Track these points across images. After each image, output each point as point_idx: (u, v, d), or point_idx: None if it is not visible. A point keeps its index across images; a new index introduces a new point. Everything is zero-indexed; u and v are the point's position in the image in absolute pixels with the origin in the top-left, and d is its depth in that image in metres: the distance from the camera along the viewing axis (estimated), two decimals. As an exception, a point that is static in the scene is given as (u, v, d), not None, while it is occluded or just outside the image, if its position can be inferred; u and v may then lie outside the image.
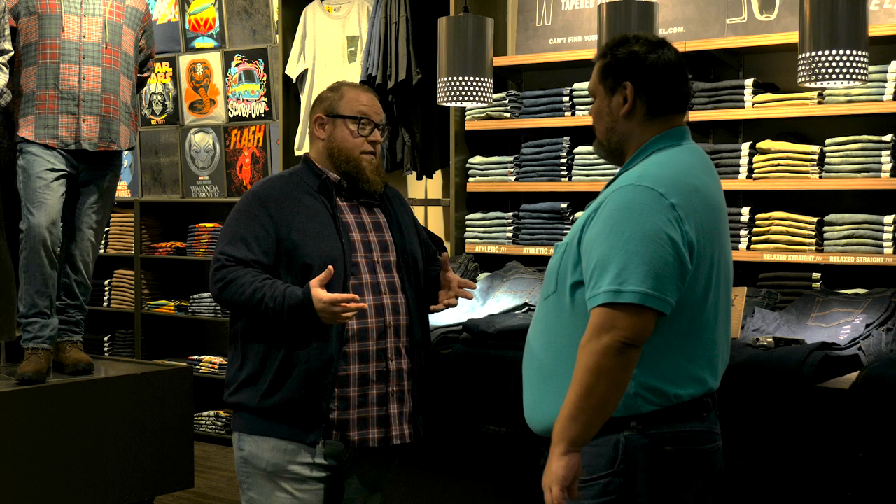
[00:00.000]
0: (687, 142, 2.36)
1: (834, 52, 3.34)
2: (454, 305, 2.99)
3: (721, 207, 2.34)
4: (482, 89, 4.21)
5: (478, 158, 4.87)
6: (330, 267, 2.69)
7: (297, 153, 5.57)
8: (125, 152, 4.48)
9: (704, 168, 2.34)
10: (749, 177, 4.14)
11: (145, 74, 4.54)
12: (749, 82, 4.17)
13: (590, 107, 2.45)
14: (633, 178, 2.23)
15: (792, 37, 3.89)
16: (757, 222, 4.14)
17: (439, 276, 3.02)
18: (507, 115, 4.79)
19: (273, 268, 2.79)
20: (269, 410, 2.77)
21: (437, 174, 5.39)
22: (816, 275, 3.96)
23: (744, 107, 4.17)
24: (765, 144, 4.14)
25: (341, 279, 2.77)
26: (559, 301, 2.29)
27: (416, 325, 2.91)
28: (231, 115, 6.42)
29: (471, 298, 3.06)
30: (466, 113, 4.88)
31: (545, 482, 2.18)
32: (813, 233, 3.99)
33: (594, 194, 2.67)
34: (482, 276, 4.34)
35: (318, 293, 2.65)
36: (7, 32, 4.07)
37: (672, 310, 2.16)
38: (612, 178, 2.37)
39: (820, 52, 3.35)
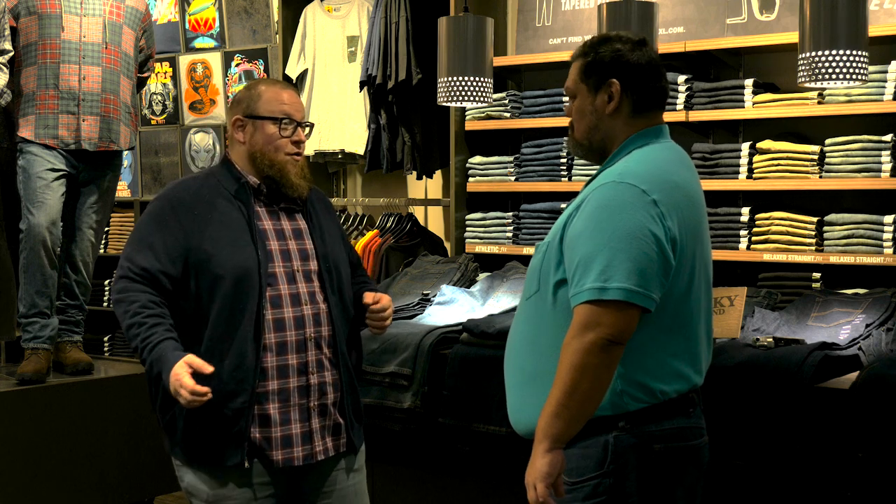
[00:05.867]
0: (665, 138, 2.37)
1: (834, 52, 3.34)
2: (379, 329, 2.86)
3: (701, 203, 2.35)
4: (482, 89, 4.20)
5: (478, 158, 4.87)
6: (209, 369, 2.52)
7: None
8: (125, 152, 4.49)
9: (684, 164, 2.36)
10: (749, 177, 4.14)
11: (145, 74, 4.54)
12: (749, 82, 4.17)
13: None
14: (614, 175, 2.23)
15: (792, 37, 3.89)
16: (757, 222, 4.13)
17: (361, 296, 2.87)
18: (507, 115, 4.79)
19: (181, 279, 2.63)
20: (189, 433, 2.61)
21: (437, 174, 5.38)
22: (816, 275, 3.96)
23: (744, 107, 4.17)
24: (765, 144, 4.14)
25: (257, 291, 2.62)
26: (541, 301, 2.29)
27: (339, 334, 2.75)
28: (231, 115, 6.41)
29: (380, 330, 2.89)
30: (466, 113, 4.88)
31: (529, 479, 2.19)
32: (813, 233, 3.99)
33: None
34: (482, 276, 4.34)
35: (179, 371, 2.48)
36: (7, 32, 4.07)
37: (656, 306, 2.17)
38: (592, 176, 2.37)
39: (820, 52, 3.35)
